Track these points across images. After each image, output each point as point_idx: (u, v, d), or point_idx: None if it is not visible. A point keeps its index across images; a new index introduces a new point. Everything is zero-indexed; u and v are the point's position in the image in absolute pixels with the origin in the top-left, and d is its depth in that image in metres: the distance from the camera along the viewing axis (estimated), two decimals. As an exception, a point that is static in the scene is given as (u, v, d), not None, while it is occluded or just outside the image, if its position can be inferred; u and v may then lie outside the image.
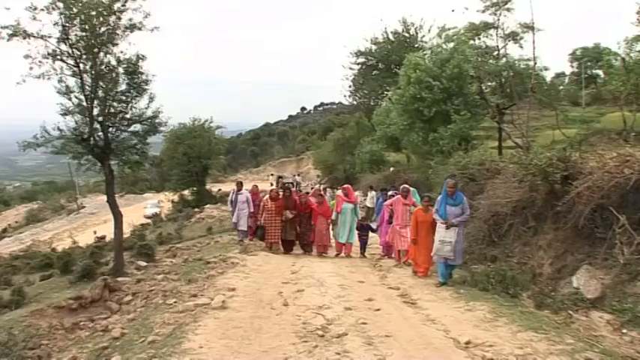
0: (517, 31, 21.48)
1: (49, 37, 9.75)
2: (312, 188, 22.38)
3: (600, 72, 37.62)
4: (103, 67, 10.36)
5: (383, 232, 10.86)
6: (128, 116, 11.15)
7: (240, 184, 12.47)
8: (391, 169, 26.47)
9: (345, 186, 11.89)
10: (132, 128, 11.45)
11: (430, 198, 8.50)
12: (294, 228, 11.20)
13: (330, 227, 11.14)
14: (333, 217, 10.98)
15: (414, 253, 8.52)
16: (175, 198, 36.72)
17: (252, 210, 11.73)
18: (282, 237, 11.20)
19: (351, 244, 11.10)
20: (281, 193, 11.70)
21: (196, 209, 28.42)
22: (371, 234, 11.53)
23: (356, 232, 11.11)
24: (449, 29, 21.93)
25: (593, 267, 5.92)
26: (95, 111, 10.50)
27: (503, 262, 7.47)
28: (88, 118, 10.42)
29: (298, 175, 44.58)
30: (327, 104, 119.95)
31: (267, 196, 11.48)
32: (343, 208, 10.91)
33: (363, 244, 11.28)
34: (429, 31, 28.80)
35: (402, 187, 10.21)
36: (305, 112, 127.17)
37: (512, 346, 4.67)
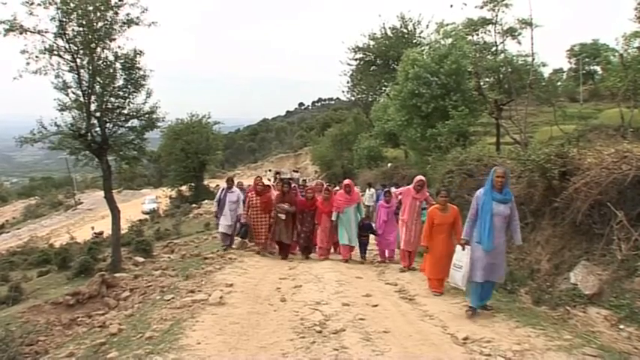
0: (515, 27, 21.49)
1: (46, 32, 9.77)
2: (303, 181, 22.35)
3: (598, 68, 37.76)
4: (100, 62, 10.36)
5: (380, 235, 9.76)
6: (125, 112, 11.17)
7: (230, 181, 10.68)
8: (389, 164, 26.50)
9: (347, 182, 10.06)
10: (129, 124, 11.46)
11: (449, 192, 7.25)
12: (289, 228, 9.73)
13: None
14: (333, 217, 9.55)
15: (426, 263, 7.17)
16: (173, 194, 36.72)
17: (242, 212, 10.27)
18: (277, 238, 9.82)
19: (352, 247, 9.73)
20: (274, 188, 10.54)
21: (194, 205, 28.46)
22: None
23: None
24: (447, 25, 21.87)
25: (590, 263, 5.93)
26: (92, 106, 10.51)
27: (501, 258, 7.47)
28: (85, 114, 10.41)
29: (296, 171, 44.50)
30: (325, 100, 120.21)
31: (252, 190, 10.01)
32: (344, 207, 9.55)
33: (364, 247, 10.01)
34: (427, 26, 28.80)
35: (416, 179, 8.71)
36: (303, 107, 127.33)
37: (510, 342, 4.67)
